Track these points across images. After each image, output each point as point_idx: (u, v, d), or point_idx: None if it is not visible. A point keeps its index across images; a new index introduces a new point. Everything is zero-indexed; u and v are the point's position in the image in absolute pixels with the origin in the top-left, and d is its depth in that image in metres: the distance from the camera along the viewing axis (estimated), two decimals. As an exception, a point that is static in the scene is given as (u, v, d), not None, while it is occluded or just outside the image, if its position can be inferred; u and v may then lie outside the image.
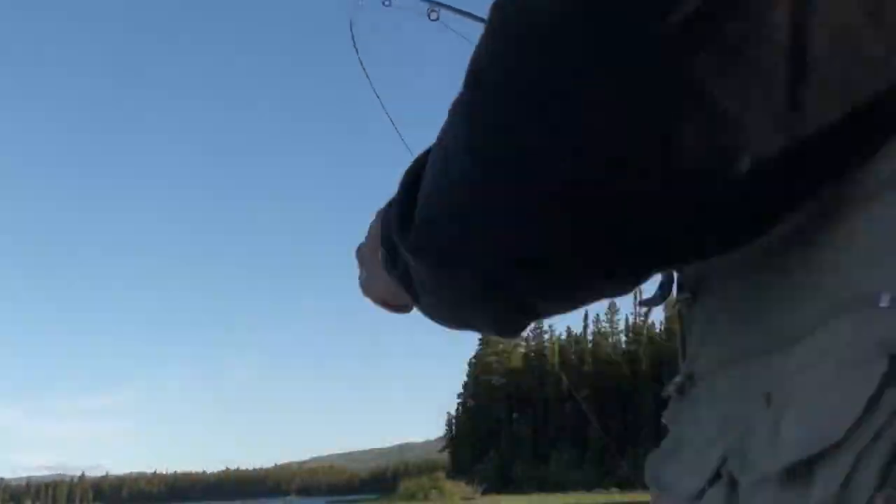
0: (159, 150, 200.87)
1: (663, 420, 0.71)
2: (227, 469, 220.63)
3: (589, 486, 78.24)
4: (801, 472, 0.47)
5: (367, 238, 0.80)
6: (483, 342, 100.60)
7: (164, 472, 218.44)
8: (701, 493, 0.57)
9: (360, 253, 0.82)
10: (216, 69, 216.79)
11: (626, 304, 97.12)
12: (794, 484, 0.47)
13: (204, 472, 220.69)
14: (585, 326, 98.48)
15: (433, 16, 1.53)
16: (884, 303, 0.48)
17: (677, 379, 0.69)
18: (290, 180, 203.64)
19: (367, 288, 0.82)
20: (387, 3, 1.92)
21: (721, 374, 0.60)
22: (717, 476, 0.55)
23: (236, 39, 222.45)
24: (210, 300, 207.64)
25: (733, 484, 0.53)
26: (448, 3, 1.52)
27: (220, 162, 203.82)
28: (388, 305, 0.81)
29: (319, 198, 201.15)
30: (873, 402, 0.45)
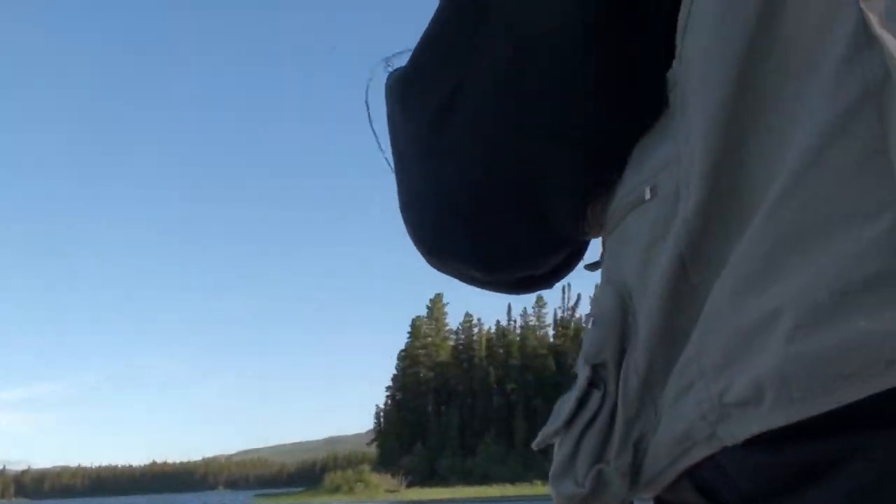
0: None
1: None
2: (154, 462, 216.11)
3: (514, 479, 77.63)
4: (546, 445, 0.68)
5: None
6: (412, 335, 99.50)
7: (89, 466, 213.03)
8: (612, 429, 0.65)
9: None
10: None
11: (554, 299, 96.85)
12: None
13: (129, 466, 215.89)
14: (513, 320, 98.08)
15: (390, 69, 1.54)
16: (587, 323, 0.67)
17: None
18: (222, 172, 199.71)
19: None
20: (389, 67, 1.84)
21: (614, 330, 0.66)
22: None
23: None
24: (137, 292, 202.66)
25: None
26: None
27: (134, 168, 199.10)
28: None
29: (254, 187, 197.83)
30: (582, 400, 0.63)
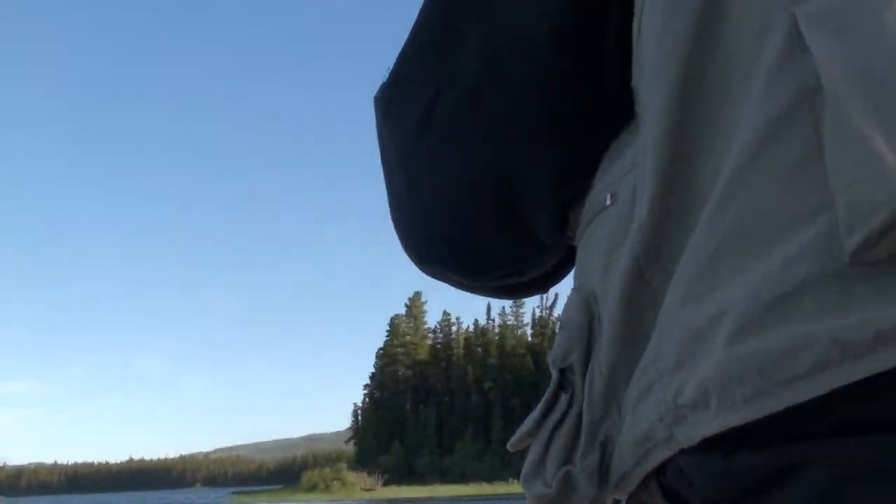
0: None
1: None
2: (131, 459, 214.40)
3: (490, 478, 77.45)
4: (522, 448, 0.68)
5: None
6: (391, 334, 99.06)
7: (65, 463, 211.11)
8: (580, 432, 0.66)
9: None
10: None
11: (532, 298, 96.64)
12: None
13: (107, 463, 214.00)
14: (491, 319, 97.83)
15: None
16: (558, 329, 0.67)
17: None
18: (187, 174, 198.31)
19: None
20: None
21: (580, 334, 0.67)
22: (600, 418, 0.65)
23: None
24: (116, 290, 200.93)
25: None
26: None
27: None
28: None
29: (230, 187, 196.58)
30: (550, 403, 0.65)
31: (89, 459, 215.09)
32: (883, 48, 0.42)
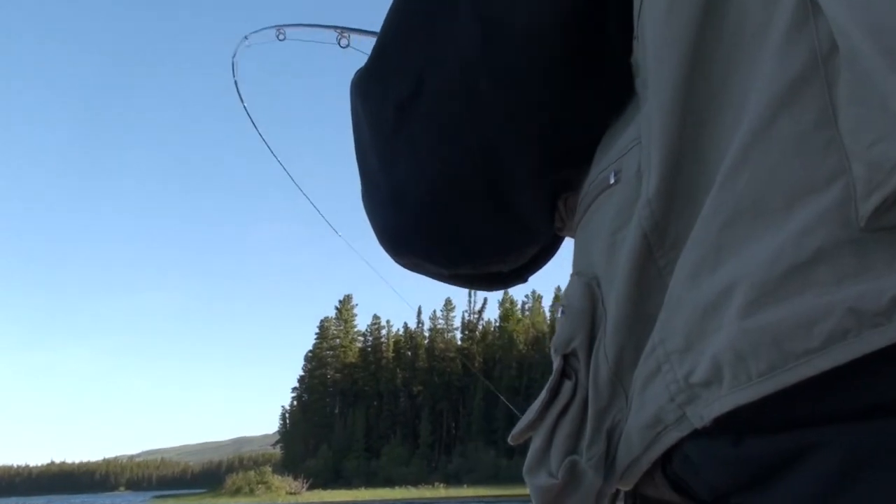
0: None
1: None
2: (52, 462, 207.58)
3: (417, 482, 76.37)
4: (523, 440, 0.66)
5: None
6: (320, 336, 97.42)
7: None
8: (585, 419, 0.63)
9: None
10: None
11: (461, 302, 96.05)
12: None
13: (27, 466, 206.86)
14: (421, 323, 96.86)
15: (343, 42, 1.59)
16: (558, 313, 0.63)
17: None
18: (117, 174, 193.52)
19: None
20: (281, 36, 1.93)
21: (583, 319, 0.65)
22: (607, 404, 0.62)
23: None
24: (40, 289, 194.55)
25: None
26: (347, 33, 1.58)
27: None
28: None
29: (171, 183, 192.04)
30: (554, 392, 0.62)
31: (8, 462, 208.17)
32: None
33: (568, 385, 0.61)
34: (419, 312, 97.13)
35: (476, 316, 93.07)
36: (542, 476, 0.62)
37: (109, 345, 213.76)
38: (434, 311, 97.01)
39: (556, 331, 0.63)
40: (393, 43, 0.74)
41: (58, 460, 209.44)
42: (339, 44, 1.61)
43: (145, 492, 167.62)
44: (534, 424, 0.63)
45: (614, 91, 0.62)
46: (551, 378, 0.62)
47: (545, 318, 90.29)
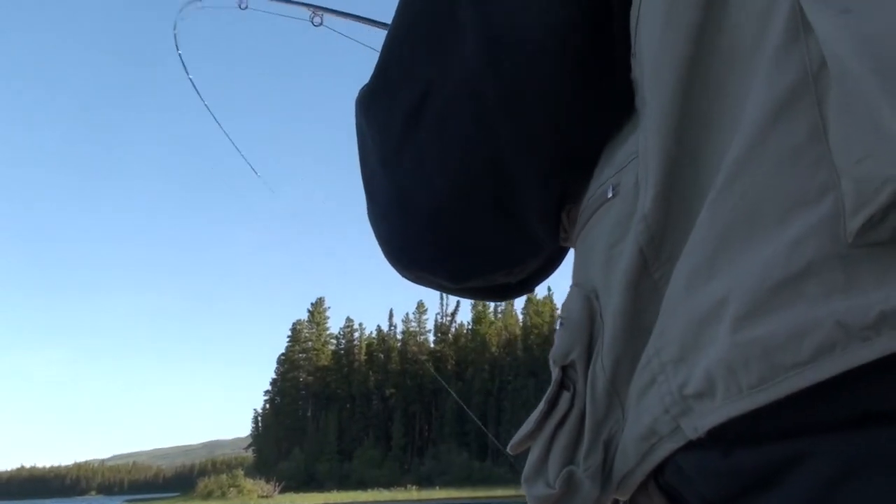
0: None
1: None
2: (23, 467, 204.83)
3: (389, 484, 76.12)
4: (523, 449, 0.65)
5: None
6: (292, 339, 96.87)
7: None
8: (582, 431, 0.63)
9: None
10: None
11: (433, 305, 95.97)
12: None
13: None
14: (394, 326, 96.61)
15: (316, 20, 1.60)
16: (557, 326, 0.64)
17: None
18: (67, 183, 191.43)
19: None
20: (243, 5, 1.92)
21: (582, 332, 0.65)
22: (604, 415, 0.62)
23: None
24: (8, 290, 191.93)
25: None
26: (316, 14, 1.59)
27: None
28: None
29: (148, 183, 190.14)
30: (552, 402, 0.62)
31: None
32: (891, 26, 0.42)
33: (566, 396, 0.62)
34: (391, 315, 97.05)
35: (449, 318, 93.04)
36: (540, 486, 0.62)
37: (80, 346, 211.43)
38: (407, 314, 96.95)
39: (555, 342, 0.64)
40: (398, 57, 0.73)
41: (28, 465, 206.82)
42: (311, 22, 1.59)
43: (117, 496, 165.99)
44: (532, 434, 0.64)
45: (615, 106, 0.62)
46: (550, 389, 0.63)
47: (518, 320, 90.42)
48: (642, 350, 0.55)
